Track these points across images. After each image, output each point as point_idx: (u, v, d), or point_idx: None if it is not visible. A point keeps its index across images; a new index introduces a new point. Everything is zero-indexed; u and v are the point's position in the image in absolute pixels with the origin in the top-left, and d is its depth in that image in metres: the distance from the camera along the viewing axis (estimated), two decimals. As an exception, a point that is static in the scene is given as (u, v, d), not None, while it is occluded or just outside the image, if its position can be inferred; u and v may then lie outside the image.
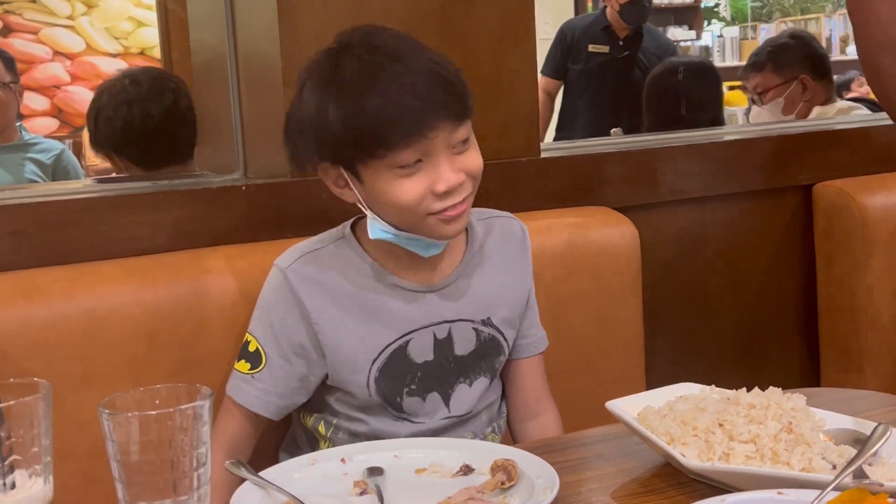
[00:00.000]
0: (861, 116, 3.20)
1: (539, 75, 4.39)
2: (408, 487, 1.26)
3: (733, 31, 10.46)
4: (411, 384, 1.55)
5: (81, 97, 7.80)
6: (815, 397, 1.37)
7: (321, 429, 1.59)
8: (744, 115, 5.43)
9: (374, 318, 1.53)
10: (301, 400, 1.58)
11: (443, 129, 1.41)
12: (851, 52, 9.31)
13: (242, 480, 1.24)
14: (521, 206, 2.00)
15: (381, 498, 1.21)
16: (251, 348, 1.55)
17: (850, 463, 1.15)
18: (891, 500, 0.99)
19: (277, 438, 1.69)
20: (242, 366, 1.55)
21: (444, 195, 1.43)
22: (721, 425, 1.24)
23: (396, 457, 1.33)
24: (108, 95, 2.54)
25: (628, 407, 1.34)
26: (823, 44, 9.23)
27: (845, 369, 2.40)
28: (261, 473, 1.25)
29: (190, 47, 2.26)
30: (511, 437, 1.70)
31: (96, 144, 2.58)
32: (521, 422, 1.70)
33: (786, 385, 1.35)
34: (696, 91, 3.52)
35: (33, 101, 7.61)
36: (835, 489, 1.05)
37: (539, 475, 1.21)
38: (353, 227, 1.59)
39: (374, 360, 1.53)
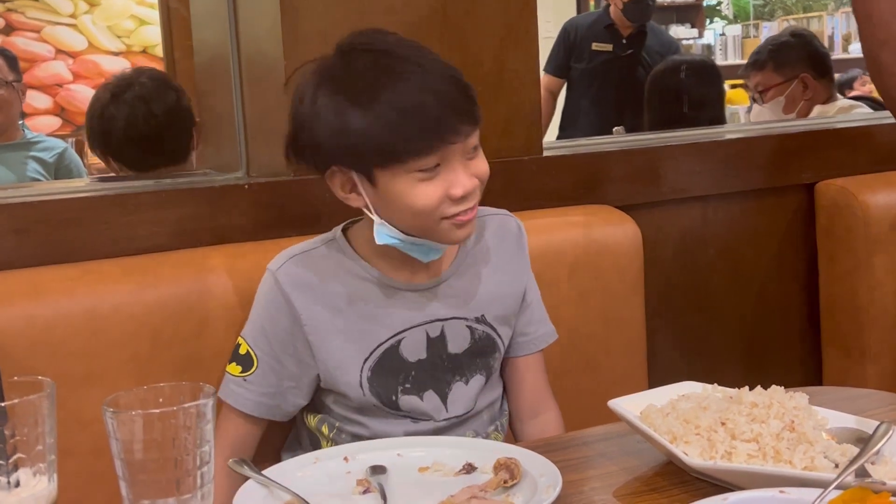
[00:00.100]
0: (863, 115, 3.19)
1: (541, 73, 4.41)
2: (410, 486, 1.26)
3: (735, 30, 10.45)
4: (405, 383, 1.56)
5: (84, 95, 7.80)
6: (818, 396, 1.37)
7: (325, 430, 1.59)
8: (746, 114, 5.42)
9: (366, 318, 1.54)
10: (300, 401, 1.58)
11: (462, 133, 1.43)
12: (854, 50, 9.30)
13: (245, 480, 1.24)
14: (523, 205, 2.01)
15: (383, 496, 1.21)
16: (242, 351, 1.55)
17: (852, 462, 1.15)
18: (893, 498, 0.99)
19: (280, 439, 1.69)
20: (234, 368, 1.56)
21: (460, 200, 1.44)
22: (723, 424, 1.24)
23: (399, 455, 1.33)
24: (104, 98, 2.54)
25: (631, 405, 1.34)
26: (826, 42, 9.23)
27: (848, 368, 2.40)
28: (264, 472, 1.25)
29: (192, 46, 2.26)
30: (512, 436, 1.70)
31: (93, 147, 2.59)
32: (522, 421, 1.70)
33: (788, 384, 1.35)
34: (696, 89, 3.51)
35: (36, 100, 7.61)
36: (837, 488, 1.05)
37: (542, 474, 1.21)
38: (343, 230, 1.59)
39: (366, 360, 1.54)
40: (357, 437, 1.55)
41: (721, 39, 10.25)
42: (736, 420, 1.24)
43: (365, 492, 1.24)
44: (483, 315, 1.61)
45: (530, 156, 2.10)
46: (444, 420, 1.58)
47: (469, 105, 1.45)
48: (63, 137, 4.74)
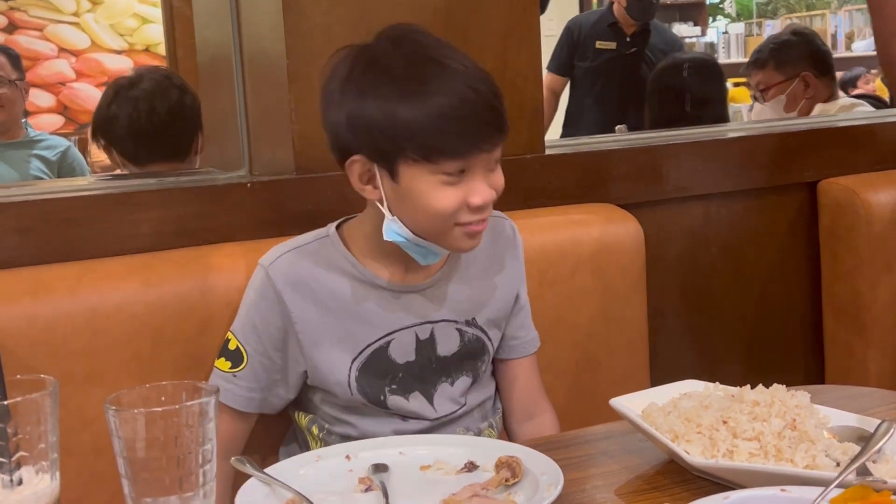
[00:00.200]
0: (865, 113, 3.19)
1: (544, 72, 4.41)
2: (412, 484, 1.26)
3: (738, 28, 10.45)
4: (392, 384, 1.55)
5: (87, 94, 7.81)
6: (820, 394, 1.37)
7: (314, 430, 1.59)
8: (748, 112, 5.42)
9: (356, 317, 1.53)
10: (288, 394, 1.58)
11: (493, 143, 1.44)
12: (857, 48, 9.30)
13: (246, 477, 1.24)
14: (525, 204, 2.01)
15: (385, 494, 1.21)
16: (231, 346, 1.55)
17: (853, 460, 1.15)
18: (894, 497, 0.99)
19: (278, 435, 1.70)
20: (223, 364, 1.56)
21: (476, 209, 1.44)
22: (725, 422, 1.24)
23: (401, 453, 1.33)
24: (114, 91, 2.56)
25: (632, 404, 1.35)
26: (829, 40, 9.23)
27: (849, 366, 2.40)
28: (266, 470, 1.25)
29: (195, 44, 2.26)
30: (508, 438, 1.70)
31: (96, 138, 2.59)
32: (517, 423, 1.70)
33: (790, 382, 1.35)
34: (698, 87, 3.51)
35: (39, 98, 7.62)
36: (838, 486, 1.05)
37: (543, 472, 1.22)
38: (337, 227, 1.58)
39: (354, 360, 1.53)
40: (346, 438, 1.54)
41: (724, 37, 10.25)
42: (737, 418, 1.24)
43: (367, 490, 1.25)
44: (474, 318, 1.60)
45: (533, 154, 2.10)
46: (434, 419, 1.58)
47: (502, 115, 1.45)
48: (66, 136, 4.74)
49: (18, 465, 0.95)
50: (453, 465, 1.30)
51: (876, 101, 3.54)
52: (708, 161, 2.34)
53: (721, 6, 10.85)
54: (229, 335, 1.56)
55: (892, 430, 1.23)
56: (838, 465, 1.18)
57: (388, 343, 1.54)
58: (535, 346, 1.71)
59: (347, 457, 1.33)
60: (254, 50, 1.98)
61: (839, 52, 9.26)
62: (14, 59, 3.49)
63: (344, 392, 1.54)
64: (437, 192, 1.42)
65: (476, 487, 1.21)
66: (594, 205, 2.10)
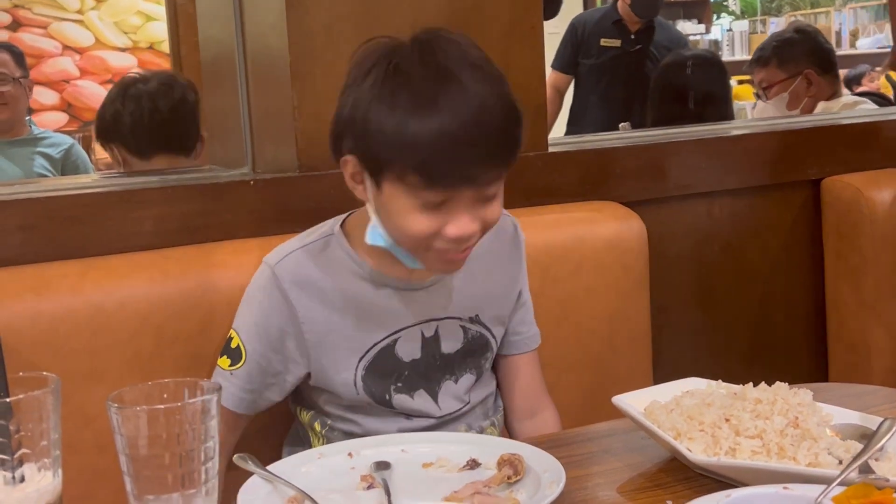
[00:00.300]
0: (869, 111, 3.19)
1: (548, 70, 4.40)
2: (415, 481, 1.26)
3: (743, 25, 10.44)
4: (398, 382, 1.55)
5: (91, 91, 7.81)
6: (823, 392, 1.37)
7: (317, 426, 1.58)
8: (751, 110, 5.42)
9: (362, 316, 1.52)
10: (275, 398, 1.57)
11: (486, 179, 1.39)
12: (862, 45, 9.29)
13: (248, 475, 1.24)
14: (528, 201, 2.01)
15: (387, 492, 1.21)
16: (233, 344, 1.54)
17: (856, 458, 1.15)
18: (896, 495, 0.99)
19: (281, 433, 1.70)
20: (224, 361, 1.55)
21: (453, 240, 1.40)
22: (727, 420, 1.24)
23: (403, 451, 1.34)
24: (118, 89, 2.59)
25: (635, 402, 1.35)
26: (833, 38, 9.21)
27: (853, 364, 2.39)
28: (268, 467, 1.25)
29: (198, 42, 2.26)
30: (509, 436, 1.70)
31: (100, 135, 2.62)
32: (519, 420, 1.70)
33: (793, 380, 1.35)
34: (702, 85, 3.50)
35: (42, 96, 7.62)
36: (841, 484, 1.05)
37: (545, 469, 1.22)
38: (342, 223, 1.57)
39: (361, 359, 1.53)
40: (350, 435, 1.53)
41: (728, 35, 10.24)
42: (740, 416, 1.24)
43: (369, 487, 1.25)
44: (477, 315, 1.60)
45: (536, 152, 2.10)
46: (439, 417, 1.58)
47: (502, 151, 1.39)
48: (70, 133, 4.75)
49: (21, 463, 0.95)
50: (455, 463, 1.30)
51: (880, 99, 3.53)
52: (711, 159, 2.33)
53: (725, 3, 10.85)
54: (232, 333, 1.55)
55: (894, 428, 1.23)
56: (841, 463, 1.18)
57: (395, 341, 1.54)
58: (537, 343, 1.71)
59: (349, 454, 1.33)
60: (257, 48, 1.98)
61: (843, 50, 9.25)
62: (18, 56, 3.49)
63: (349, 392, 1.54)
64: (412, 214, 1.38)
65: (478, 485, 1.22)
66: (597, 202, 2.10)
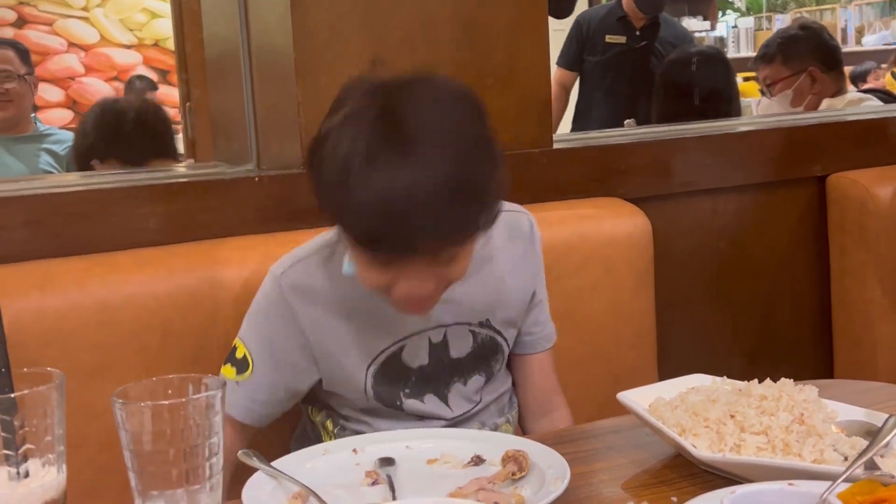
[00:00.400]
0: (875, 107, 3.18)
1: (554, 67, 4.40)
2: (419, 478, 1.26)
3: (748, 22, 10.43)
4: (406, 388, 1.54)
5: (96, 88, 7.82)
6: (828, 389, 1.36)
7: (329, 425, 1.58)
8: (756, 107, 5.41)
9: (369, 324, 1.50)
10: (287, 408, 1.56)
11: (431, 251, 1.32)
12: (867, 42, 9.28)
13: (253, 471, 1.24)
14: (533, 198, 2.00)
15: (392, 488, 1.21)
16: (238, 354, 1.52)
17: (861, 454, 1.15)
18: (902, 491, 0.99)
19: (290, 429, 1.70)
20: (228, 370, 1.52)
21: (404, 300, 1.37)
22: (732, 416, 1.24)
23: (408, 447, 1.33)
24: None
25: (640, 398, 1.34)
26: (838, 35, 9.19)
27: (858, 361, 2.39)
28: (273, 463, 1.25)
29: (203, 39, 2.26)
30: (522, 432, 1.70)
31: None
32: (532, 420, 1.69)
33: (798, 376, 1.35)
34: (707, 81, 3.49)
35: (48, 93, 7.63)
36: (846, 480, 1.05)
37: (550, 466, 1.21)
38: None
39: (369, 366, 1.51)
40: (361, 433, 1.53)
41: (733, 32, 10.23)
42: (745, 413, 1.23)
43: (373, 483, 1.25)
44: (488, 319, 1.57)
45: (540, 148, 2.10)
46: (451, 418, 1.57)
47: (448, 228, 1.30)
48: (75, 130, 4.75)
49: (25, 458, 0.95)
50: (460, 459, 1.30)
51: (885, 96, 3.51)
52: (716, 155, 2.33)
53: (730, 0, 10.83)
54: (237, 343, 1.53)
55: (900, 425, 1.22)
56: (846, 459, 1.18)
57: (402, 348, 1.52)
58: (550, 342, 1.68)
59: (354, 450, 1.33)
60: (261, 45, 1.98)
61: (849, 47, 9.23)
62: (23, 53, 3.49)
63: (360, 397, 1.53)
64: (364, 266, 1.35)
65: (483, 481, 1.21)
66: (603, 199, 2.10)
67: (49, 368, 0.98)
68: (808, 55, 3.36)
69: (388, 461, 1.29)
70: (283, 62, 1.90)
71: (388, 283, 1.35)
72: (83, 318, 1.60)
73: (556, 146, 2.14)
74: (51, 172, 3.37)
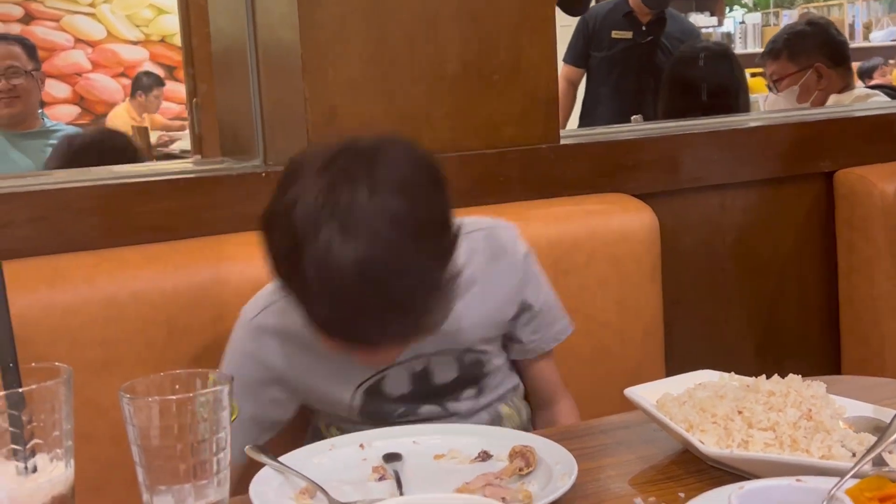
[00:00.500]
0: (882, 103, 3.17)
1: (561, 64, 4.39)
2: (426, 473, 1.26)
3: (755, 18, 10.40)
4: (394, 413, 1.52)
5: (103, 84, 7.83)
6: (835, 385, 1.36)
7: (333, 430, 1.57)
8: (763, 102, 5.41)
9: (346, 358, 1.44)
10: (279, 430, 1.55)
11: (384, 345, 1.33)
12: (875, 38, 9.25)
13: (260, 466, 1.24)
14: (540, 193, 2.00)
15: (399, 483, 1.21)
16: None
17: (869, 450, 1.15)
18: (910, 487, 0.99)
19: (299, 428, 1.70)
20: None
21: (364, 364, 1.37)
22: (740, 412, 1.23)
23: (415, 443, 1.33)
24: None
25: (647, 394, 1.34)
26: (846, 30, 9.17)
27: (866, 357, 2.39)
28: (280, 458, 1.25)
29: (210, 34, 2.27)
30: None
31: None
32: (535, 412, 1.69)
33: (805, 373, 1.35)
34: (715, 77, 3.48)
35: (55, 89, 7.65)
36: (854, 476, 1.05)
37: (557, 461, 1.21)
38: None
39: (352, 398, 1.50)
40: None
41: (741, 27, 10.21)
42: (753, 409, 1.23)
43: (380, 479, 1.25)
44: (471, 346, 1.54)
45: (547, 144, 2.09)
46: (452, 414, 1.56)
47: (399, 326, 1.28)
48: (82, 126, 4.77)
49: (33, 453, 0.95)
50: (467, 455, 1.30)
51: (893, 92, 3.50)
52: (724, 151, 2.33)
53: (738, -4, 10.81)
54: None
55: (908, 421, 1.22)
56: (854, 455, 1.18)
57: (381, 380, 1.50)
58: (556, 341, 1.65)
59: (361, 446, 1.33)
60: (268, 40, 1.98)
61: (856, 42, 9.21)
62: (30, 49, 3.50)
63: (352, 416, 1.52)
64: (320, 335, 1.33)
65: (490, 477, 1.21)
66: (609, 195, 2.10)
67: (57, 363, 0.98)
68: (815, 51, 3.35)
69: (394, 456, 1.29)
70: (289, 57, 1.90)
71: (345, 349, 1.36)
72: (90, 314, 1.60)
73: (563, 142, 2.14)
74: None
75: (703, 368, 1.44)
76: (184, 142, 6.31)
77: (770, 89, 3.53)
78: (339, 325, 1.29)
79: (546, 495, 1.14)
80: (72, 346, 1.58)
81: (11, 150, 3.34)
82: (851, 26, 9.73)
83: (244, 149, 2.07)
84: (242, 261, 1.69)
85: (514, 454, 1.24)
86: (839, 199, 2.42)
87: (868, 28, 9.72)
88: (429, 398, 1.54)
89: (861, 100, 3.26)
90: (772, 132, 2.45)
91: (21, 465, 0.94)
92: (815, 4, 10.54)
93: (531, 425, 1.67)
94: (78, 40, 7.77)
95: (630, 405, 1.34)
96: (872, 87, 4.02)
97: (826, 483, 1.03)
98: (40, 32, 7.55)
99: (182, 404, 0.97)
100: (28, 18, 7.61)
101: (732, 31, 10.16)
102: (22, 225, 1.69)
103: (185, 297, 1.65)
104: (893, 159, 2.44)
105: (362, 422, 1.52)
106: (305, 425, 1.70)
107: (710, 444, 1.20)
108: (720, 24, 9.83)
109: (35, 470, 0.95)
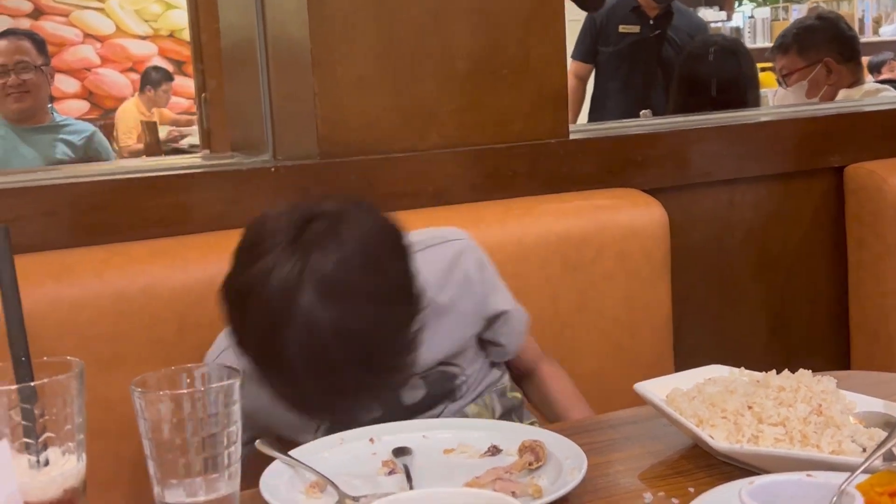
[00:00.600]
0: (892, 98, 3.16)
1: (569, 60, 4.38)
2: (436, 467, 1.26)
3: (765, 12, 10.37)
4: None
5: (112, 79, 7.84)
6: (845, 380, 1.36)
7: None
8: (773, 97, 5.39)
9: None
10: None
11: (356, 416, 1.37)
12: (885, 32, 9.22)
13: (270, 460, 1.24)
14: (549, 188, 2.00)
15: (409, 477, 1.22)
16: None
17: (880, 446, 1.14)
18: (921, 483, 0.99)
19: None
20: None
21: None
22: (750, 408, 1.23)
23: (425, 437, 1.34)
24: None
25: (657, 389, 1.34)
26: (856, 25, 9.14)
27: (875, 352, 2.38)
28: (290, 452, 1.26)
29: (219, 29, 2.27)
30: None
31: None
32: (522, 384, 1.69)
33: (815, 368, 1.35)
34: (725, 72, 3.48)
35: (64, 84, 7.66)
36: (864, 472, 1.05)
37: (567, 456, 1.21)
38: None
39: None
40: None
41: (750, 22, 10.18)
42: (763, 404, 1.23)
43: (390, 473, 1.25)
44: (436, 365, 1.53)
45: (557, 139, 2.09)
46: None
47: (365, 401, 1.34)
48: (91, 121, 4.78)
49: (45, 446, 0.95)
50: (477, 449, 1.30)
51: (901, 86, 3.50)
52: (733, 146, 2.32)
53: (747, -10, 10.77)
54: None
55: (918, 416, 1.22)
56: (864, 450, 1.18)
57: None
58: (522, 339, 1.64)
59: (371, 440, 1.33)
60: (277, 34, 1.98)
61: (866, 37, 9.17)
62: (40, 44, 3.50)
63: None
64: None
65: (499, 471, 1.21)
66: (619, 190, 2.10)
67: (68, 357, 0.98)
68: (824, 46, 3.34)
69: (404, 450, 1.29)
70: (299, 52, 1.90)
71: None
72: (100, 309, 1.60)
73: (572, 136, 2.14)
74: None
75: (712, 364, 1.43)
76: (193, 137, 6.32)
77: (779, 84, 3.52)
78: (319, 402, 1.31)
79: (556, 490, 1.14)
80: (81, 340, 1.58)
81: (21, 144, 3.34)
82: (861, 21, 9.69)
83: (253, 144, 2.07)
84: (252, 255, 1.69)
85: (523, 449, 1.24)
86: (849, 194, 2.42)
87: (878, 22, 9.68)
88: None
89: (871, 95, 3.25)
90: (781, 127, 2.44)
91: (33, 458, 0.95)
92: (825, -1, 10.51)
93: (515, 417, 1.65)
94: (87, 35, 7.78)
95: (639, 400, 1.34)
96: (882, 82, 4.01)
97: (836, 478, 1.03)
98: (49, 27, 7.56)
99: (193, 398, 0.97)
100: (37, 13, 7.62)
101: (741, 26, 10.13)
102: (31, 219, 1.69)
103: (194, 292, 1.66)
104: (904, 154, 2.43)
105: None
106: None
107: (719, 439, 1.20)
108: (729, 18, 9.81)
109: (47, 463, 0.95)
